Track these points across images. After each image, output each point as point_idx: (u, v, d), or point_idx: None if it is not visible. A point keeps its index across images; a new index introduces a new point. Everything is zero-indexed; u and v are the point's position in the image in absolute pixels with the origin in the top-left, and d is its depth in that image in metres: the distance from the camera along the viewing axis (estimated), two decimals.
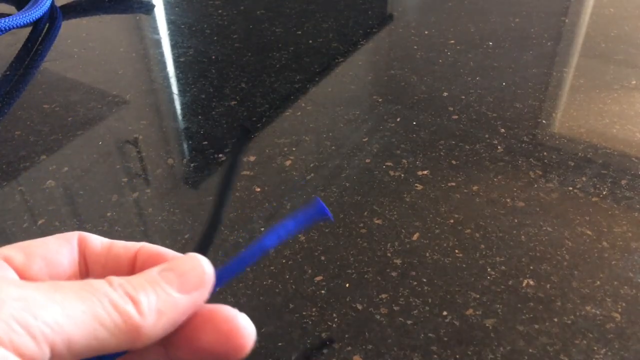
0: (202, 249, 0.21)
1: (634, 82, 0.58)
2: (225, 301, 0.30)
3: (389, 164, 0.47)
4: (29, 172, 0.48)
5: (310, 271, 0.37)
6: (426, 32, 0.70)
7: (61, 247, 0.20)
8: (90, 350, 0.16)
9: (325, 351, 0.32)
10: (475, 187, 0.44)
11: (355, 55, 0.66)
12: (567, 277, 0.37)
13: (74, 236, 0.21)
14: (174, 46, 0.69)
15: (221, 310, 0.20)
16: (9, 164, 0.49)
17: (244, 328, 0.19)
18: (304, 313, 0.35)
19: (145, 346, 0.18)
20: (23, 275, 0.19)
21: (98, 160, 0.50)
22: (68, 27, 0.76)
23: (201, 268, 0.20)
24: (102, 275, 0.18)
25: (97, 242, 0.21)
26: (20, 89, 0.61)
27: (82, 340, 0.16)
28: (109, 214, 0.43)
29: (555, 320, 0.34)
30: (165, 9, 0.81)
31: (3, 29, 0.66)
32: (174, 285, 0.18)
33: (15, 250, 0.19)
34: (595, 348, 0.32)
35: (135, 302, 0.17)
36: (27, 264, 0.19)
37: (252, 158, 0.49)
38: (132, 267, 0.21)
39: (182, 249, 0.40)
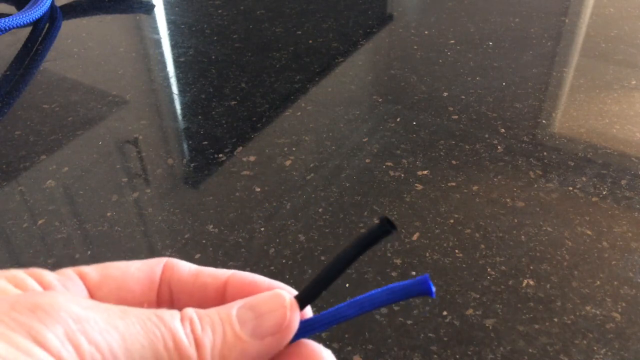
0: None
1: (634, 82, 0.58)
2: None
3: (389, 164, 0.47)
4: (29, 172, 0.48)
5: (310, 271, 0.37)
6: (426, 32, 0.70)
7: (140, 273, 0.19)
8: None
9: None
10: (475, 187, 0.44)
11: (355, 55, 0.66)
12: (567, 277, 0.37)
13: (160, 262, 0.20)
14: (174, 46, 0.69)
15: (303, 346, 0.18)
16: (9, 164, 0.49)
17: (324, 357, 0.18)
18: None
19: None
20: (93, 295, 0.19)
21: (98, 160, 0.50)
22: (68, 27, 0.76)
23: (282, 311, 0.17)
24: (189, 305, 0.17)
25: (185, 268, 0.20)
26: (20, 89, 0.61)
27: None
28: (109, 214, 0.43)
29: (555, 320, 0.34)
30: (165, 9, 0.81)
31: (3, 29, 0.66)
32: (247, 327, 0.17)
33: (92, 268, 0.19)
34: (595, 348, 0.32)
35: (198, 345, 0.16)
36: (99, 284, 0.19)
37: (252, 158, 0.49)
38: (221, 297, 0.19)
39: (182, 249, 0.40)
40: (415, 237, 0.40)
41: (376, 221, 0.17)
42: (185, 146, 0.51)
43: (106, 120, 0.55)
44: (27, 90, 0.61)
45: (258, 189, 0.45)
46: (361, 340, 0.33)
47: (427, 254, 0.38)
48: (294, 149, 0.50)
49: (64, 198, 0.45)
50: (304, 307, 0.18)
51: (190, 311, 0.17)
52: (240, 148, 0.50)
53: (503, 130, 0.51)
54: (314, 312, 0.19)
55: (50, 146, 0.51)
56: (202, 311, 0.17)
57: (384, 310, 0.35)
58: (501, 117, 0.53)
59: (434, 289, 0.17)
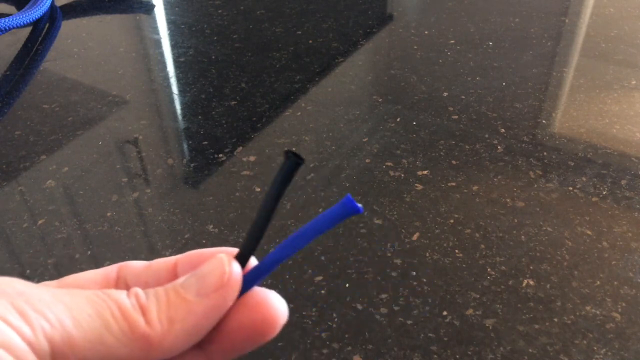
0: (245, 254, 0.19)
1: (634, 82, 0.58)
2: None
3: (389, 164, 0.47)
4: (29, 172, 0.48)
5: (310, 271, 0.37)
6: (426, 32, 0.70)
7: (97, 275, 0.20)
8: (100, 356, 0.16)
9: (325, 351, 0.32)
10: (475, 187, 0.44)
11: (355, 55, 0.66)
12: (567, 277, 0.37)
13: (113, 268, 0.21)
14: (174, 46, 0.69)
15: (254, 295, 0.19)
16: (9, 164, 0.49)
17: (274, 304, 0.18)
18: (304, 313, 0.34)
19: (165, 356, 0.17)
20: None
21: (98, 160, 0.50)
22: (68, 27, 0.76)
23: (221, 268, 0.18)
24: None
25: (138, 264, 0.21)
26: (20, 89, 0.61)
27: (86, 343, 0.15)
28: (109, 214, 0.43)
29: (555, 320, 0.34)
30: (165, 9, 0.81)
31: (3, 29, 0.66)
32: (191, 289, 0.18)
33: (52, 282, 0.19)
34: (595, 348, 0.32)
35: (144, 311, 0.17)
36: None
37: (252, 158, 0.49)
38: (174, 279, 0.20)
39: (182, 249, 0.40)
40: (415, 237, 0.40)
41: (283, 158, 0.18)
42: (185, 146, 0.51)
43: (106, 120, 0.55)
44: (27, 90, 0.61)
45: (258, 189, 0.45)
46: (361, 340, 0.33)
47: (427, 254, 0.38)
48: (294, 149, 0.50)
49: (64, 198, 0.45)
50: (245, 262, 0.19)
51: (135, 288, 0.17)
52: (240, 148, 0.50)
53: (503, 130, 0.51)
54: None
55: (50, 146, 0.51)
56: (150, 288, 0.18)
57: (384, 310, 0.35)
58: (501, 117, 0.53)
59: (359, 205, 0.18)
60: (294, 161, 0.17)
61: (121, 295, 0.17)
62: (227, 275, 0.18)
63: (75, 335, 0.15)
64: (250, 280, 0.19)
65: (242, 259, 0.19)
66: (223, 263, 0.18)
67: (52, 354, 0.15)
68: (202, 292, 0.17)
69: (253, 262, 0.20)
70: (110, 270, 0.20)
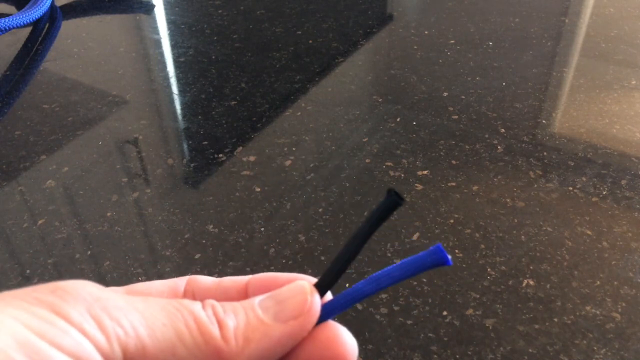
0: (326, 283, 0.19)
1: (634, 82, 0.58)
2: None
3: (389, 164, 0.47)
4: (29, 172, 0.48)
5: (310, 271, 0.37)
6: (426, 32, 0.70)
7: (164, 287, 0.20)
8: None
9: None
10: (475, 187, 0.44)
11: (355, 55, 0.66)
12: (567, 277, 0.37)
13: (183, 278, 0.20)
14: (174, 46, 0.69)
15: (327, 328, 0.18)
16: (9, 164, 0.49)
17: (346, 342, 0.18)
18: None
19: None
20: None
21: (98, 160, 0.50)
22: (68, 27, 0.76)
23: (303, 296, 0.18)
24: None
25: (208, 280, 0.20)
26: (20, 89, 0.61)
27: (158, 352, 0.15)
28: (109, 214, 0.43)
29: (555, 320, 0.34)
30: (165, 9, 0.81)
31: (3, 29, 0.66)
32: (270, 312, 0.17)
33: (119, 287, 0.19)
34: (595, 348, 0.32)
35: (221, 325, 0.16)
36: None
37: (252, 158, 0.49)
38: (244, 299, 0.20)
39: (182, 249, 0.40)
40: (415, 237, 0.40)
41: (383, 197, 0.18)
42: (185, 146, 0.51)
43: (106, 120, 0.55)
44: (27, 90, 0.61)
45: (258, 189, 0.45)
46: (361, 340, 0.33)
47: None
48: (294, 149, 0.50)
49: (64, 198, 0.45)
50: (325, 292, 0.18)
51: (212, 300, 0.17)
52: (240, 148, 0.50)
53: (503, 130, 0.51)
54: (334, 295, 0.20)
55: (50, 146, 0.51)
56: (225, 302, 0.17)
57: (384, 310, 0.35)
58: (501, 117, 0.53)
59: (449, 256, 0.17)
60: (394, 200, 0.17)
61: (196, 306, 0.17)
62: (309, 304, 0.18)
63: (149, 345, 0.15)
64: (325, 313, 0.18)
65: (321, 290, 0.18)
66: (305, 291, 0.18)
67: None
68: (281, 317, 0.17)
69: (328, 295, 0.19)
70: (178, 283, 0.20)
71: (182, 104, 0.58)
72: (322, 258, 0.38)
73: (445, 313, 0.34)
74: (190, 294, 0.20)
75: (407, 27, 0.72)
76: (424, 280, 0.36)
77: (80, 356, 0.14)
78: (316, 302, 0.18)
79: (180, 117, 0.56)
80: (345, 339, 0.18)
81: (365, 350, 0.32)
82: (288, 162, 0.48)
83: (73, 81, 0.62)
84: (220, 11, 0.79)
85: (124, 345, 0.15)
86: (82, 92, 0.60)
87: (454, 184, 0.45)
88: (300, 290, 0.18)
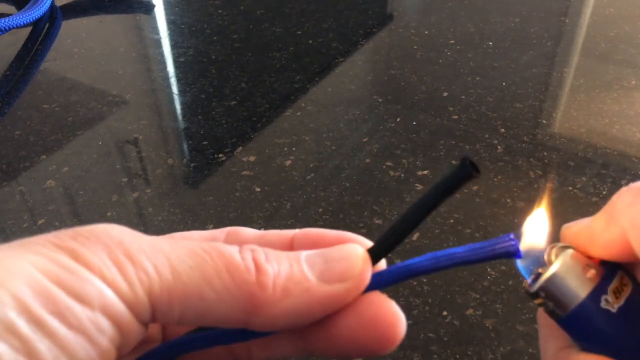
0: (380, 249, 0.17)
1: (634, 82, 0.58)
2: None
3: (389, 164, 0.47)
4: (29, 172, 0.48)
5: None
6: (426, 32, 0.70)
7: (203, 238, 0.19)
8: (198, 311, 0.14)
9: None
10: (475, 187, 0.44)
11: (355, 55, 0.66)
12: None
13: (222, 230, 0.19)
14: (174, 46, 0.69)
15: (374, 299, 0.16)
16: (9, 164, 0.49)
17: (394, 314, 0.16)
18: None
19: (262, 327, 0.15)
20: None
21: (98, 160, 0.50)
22: (68, 27, 0.76)
23: (355, 260, 0.16)
24: None
25: (250, 232, 0.19)
26: (20, 89, 0.61)
27: (185, 297, 0.14)
28: (109, 214, 0.43)
29: None
30: (165, 9, 0.81)
31: (3, 29, 0.66)
32: (315, 269, 0.15)
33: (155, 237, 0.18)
34: None
35: (259, 271, 0.15)
36: None
37: (252, 158, 0.49)
38: None
39: None
40: (415, 237, 0.40)
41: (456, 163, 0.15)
42: (185, 146, 0.51)
43: (106, 120, 0.55)
44: (27, 90, 0.61)
45: (258, 189, 0.45)
46: None
47: None
48: (294, 149, 0.50)
49: (64, 198, 0.45)
50: (377, 260, 0.17)
51: (253, 245, 0.16)
52: (240, 148, 0.50)
53: (503, 130, 0.51)
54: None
55: (50, 146, 0.51)
56: (268, 249, 0.16)
57: None
58: (501, 117, 0.53)
59: (520, 247, 0.15)
60: (467, 171, 0.14)
61: (230, 248, 0.15)
62: (360, 269, 0.16)
63: (174, 288, 0.14)
64: (374, 283, 0.16)
65: (374, 257, 0.17)
66: (358, 255, 0.16)
67: (152, 311, 0.14)
68: (327, 277, 0.15)
69: (382, 264, 0.18)
70: (217, 234, 0.19)
71: (182, 104, 0.58)
72: None
73: (445, 313, 0.34)
74: None
75: (407, 27, 0.72)
76: (424, 280, 0.36)
77: (101, 304, 0.13)
78: (367, 270, 0.16)
79: (180, 117, 0.56)
80: (395, 311, 0.16)
81: None
82: (288, 162, 0.48)
83: (73, 81, 0.62)
84: (220, 11, 0.79)
85: (148, 289, 0.14)
86: (82, 92, 0.60)
87: None
88: (353, 253, 0.16)
